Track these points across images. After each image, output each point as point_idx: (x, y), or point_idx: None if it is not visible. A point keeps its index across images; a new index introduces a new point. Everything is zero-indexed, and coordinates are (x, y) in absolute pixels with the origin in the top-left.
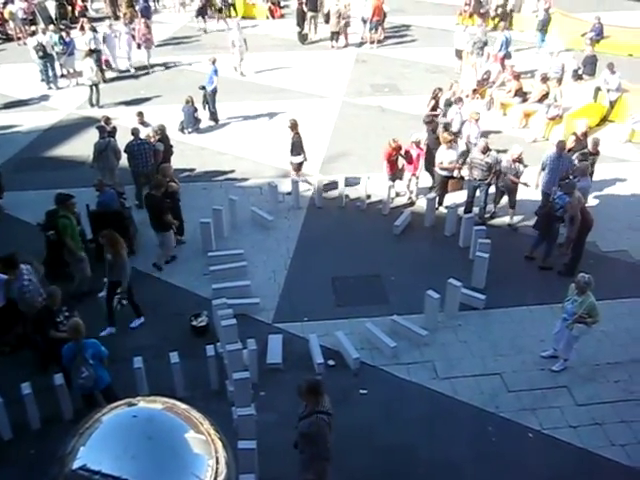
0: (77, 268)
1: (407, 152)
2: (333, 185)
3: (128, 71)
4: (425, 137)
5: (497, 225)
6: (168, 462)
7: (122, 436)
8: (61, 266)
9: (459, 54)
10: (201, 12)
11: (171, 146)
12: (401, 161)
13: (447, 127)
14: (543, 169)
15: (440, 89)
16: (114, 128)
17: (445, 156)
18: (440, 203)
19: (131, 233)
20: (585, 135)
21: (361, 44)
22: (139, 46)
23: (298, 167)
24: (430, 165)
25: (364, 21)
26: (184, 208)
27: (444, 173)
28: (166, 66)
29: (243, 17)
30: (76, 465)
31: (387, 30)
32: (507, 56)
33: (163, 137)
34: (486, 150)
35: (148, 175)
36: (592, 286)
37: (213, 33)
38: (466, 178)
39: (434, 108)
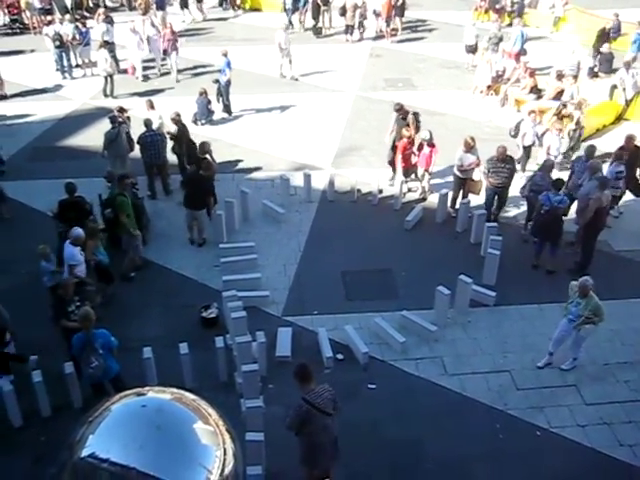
0: (130, 245)
1: (420, 148)
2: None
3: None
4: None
5: (508, 222)
6: (176, 452)
7: (131, 425)
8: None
9: (469, 49)
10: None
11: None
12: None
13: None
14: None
15: (564, 105)
16: (128, 118)
17: (464, 159)
18: (453, 205)
19: (143, 223)
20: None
21: (375, 38)
22: (165, 52)
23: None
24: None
25: (376, 14)
26: None
27: (461, 175)
28: (180, 57)
29: (257, 10)
30: (85, 453)
31: (403, 24)
32: (522, 52)
33: (179, 124)
34: (505, 157)
35: (160, 166)
36: (593, 287)
37: (228, 25)
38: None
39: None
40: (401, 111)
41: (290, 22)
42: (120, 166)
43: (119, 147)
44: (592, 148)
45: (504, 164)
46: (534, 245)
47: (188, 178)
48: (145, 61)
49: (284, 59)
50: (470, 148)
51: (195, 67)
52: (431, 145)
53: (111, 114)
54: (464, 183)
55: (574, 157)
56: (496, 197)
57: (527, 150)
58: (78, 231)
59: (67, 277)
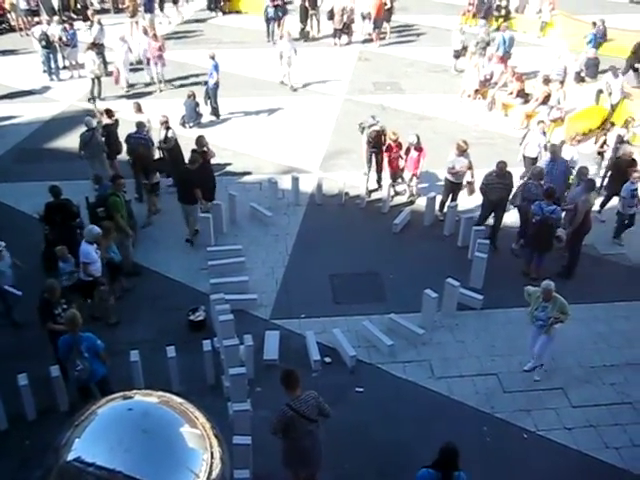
0: (123, 245)
1: (407, 152)
2: None
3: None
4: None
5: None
6: (162, 456)
7: (117, 429)
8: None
9: (456, 54)
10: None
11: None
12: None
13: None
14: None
15: (612, 123)
16: (116, 121)
17: (456, 162)
18: (441, 209)
19: (131, 225)
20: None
21: (364, 41)
22: (148, 62)
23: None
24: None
25: (363, 17)
26: None
27: (452, 179)
28: (168, 60)
29: (245, 12)
30: (71, 457)
31: (391, 28)
32: (506, 56)
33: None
34: (504, 173)
35: (147, 168)
36: (554, 288)
37: (216, 28)
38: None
39: (603, 144)
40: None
41: (269, 32)
42: (99, 167)
43: (94, 149)
44: (555, 147)
45: (502, 180)
46: (524, 253)
47: (178, 173)
48: (132, 69)
49: (284, 67)
50: (463, 152)
51: (183, 70)
52: (419, 149)
53: (87, 117)
54: (454, 187)
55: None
56: (492, 214)
57: (531, 162)
58: (95, 229)
59: (52, 280)
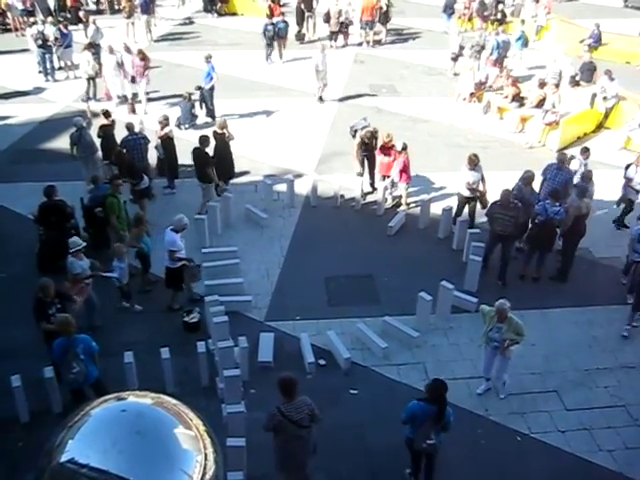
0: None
1: (394, 157)
2: None
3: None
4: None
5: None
6: (156, 457)
7: (110, 430)
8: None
9: (454, 57)
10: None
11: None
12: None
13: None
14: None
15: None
16: (113, 121)
17: (468, 176)
18: (454, 222)
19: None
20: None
21: (360, 44)
22: (133, 79)
23: None
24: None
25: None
26: (179, 204)
27: (466, 193)
28: (163, 61)
29: (241, 14)
30: (64, 458)
31: (387, 31)
32: (499, 59)
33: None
34: (509, 203)
35: (144, 169)
36: (509, 308)
37: (212, 29)
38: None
39: None
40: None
41: (268, 55)
42: (92, 167)
43: (84, 149)
44: (563, 155)
45: (507, 211)
46: (522, 254)
47: (192, 153)
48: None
49: (320, 82)
50: (474, 165)
51: (178, 71)
52: (403, 154)
53: (75, 117)
54: (468, 202)
55: None
56: (500, 246)
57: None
58: (184, 219)
59: (46, 279)
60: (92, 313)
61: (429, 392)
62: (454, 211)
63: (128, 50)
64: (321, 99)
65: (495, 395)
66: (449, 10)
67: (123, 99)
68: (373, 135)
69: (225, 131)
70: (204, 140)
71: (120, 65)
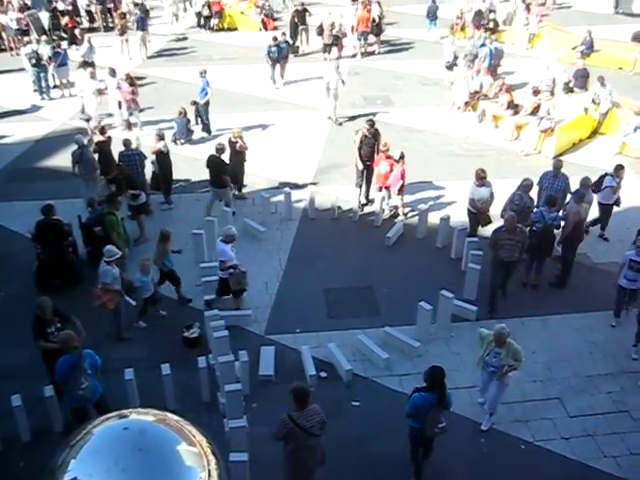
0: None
1: (391, 167)
2: None
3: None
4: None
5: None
6: (160, 475)
7: (113, 449)
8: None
9: (448, 65)
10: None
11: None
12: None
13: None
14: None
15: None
16: (109, 138)
17: (476, 194)
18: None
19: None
20: None
21: (354, 56)
22: (119, 105)
23: None
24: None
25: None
26: (176, 219)
27: (474, 210)
28: (158, 77)
29: (235, 29)
30: (67, 478)
31: (381, 43)
32: (490, 67)
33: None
34: (515, 228)
35: (140, 184)
36: (509, 333)
37: (206, 45)
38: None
39: None
40: (371, 130)
41: (274, 75)
42: (92, 186)
43: (85, 167)
44: (559, 162)
45: (513, 236)
46: (522, 262)
47: (208, 160)
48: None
49: (330, 100)
50: (482, 181)
51: (173, 87)
52: (401, 163)
53: (77, 135)
54: (479, 218)
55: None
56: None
57: (605, 209)
58: (233, 230)
59: (44, 298)
60: (118, 323)
61: (428, 380)
62: (467, 229)
63: (113, 74)
64: (337, 120)
65: (498, 403)
66: (431, 16)
67: (102, 118)
68: (372, 126)
69: (239, 140)
70: (220, 148)
71: (100, 92)
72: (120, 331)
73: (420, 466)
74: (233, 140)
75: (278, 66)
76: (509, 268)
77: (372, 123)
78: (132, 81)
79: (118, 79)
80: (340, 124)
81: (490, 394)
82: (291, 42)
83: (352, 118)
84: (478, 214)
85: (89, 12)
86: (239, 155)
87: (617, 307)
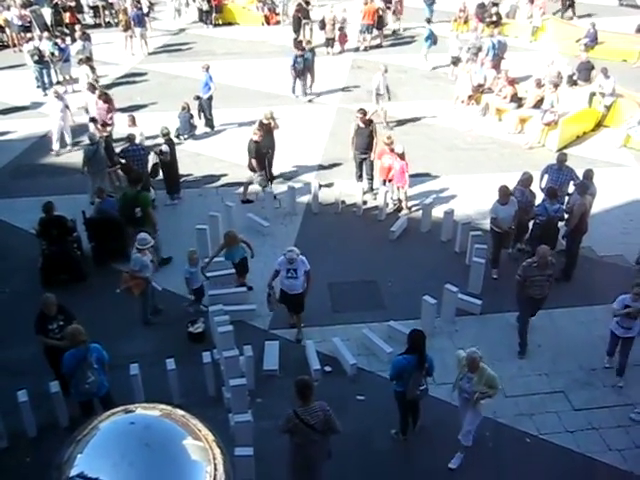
0: (156, 239)
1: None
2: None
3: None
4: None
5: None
6: (166, 469)
7: (119, 443)
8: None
9: (454, 60)
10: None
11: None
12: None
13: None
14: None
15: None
16: (110, 132)
17: (499, 212)
18: (495, 265)
19: (126, 241)
20: None
21: (357, 50)
22: (92, 120)
23: None
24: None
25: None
26: (180, 214)
27: (497, 229)
28: (161, 73)
29: (237, 24)
30: (73, 473)
31: (384, 36)
32: (495, 60)
33: (168, 140)
34: (547, 262)
35: (145, 180)
36: (482, 358)
37: (208, 39)
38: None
39: None
40: (364, 119)
41: (294, 90)
42: (100, 182)
43: (98, 163)
44: (563, 156)
45: (544, 271)
46: (525, 255)
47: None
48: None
49: (379, 104)
50: (507, 198)
51: (176, 82)
52: (402, 159)
53: (89, 132)
54: (503, 237)
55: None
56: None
57: None
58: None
59: (48, 294)
60: (145, 308)
61: (410, 342)
62: (488, 254)
63: (92, 89)
64: (388, 124)
65: (503, 396)
66: (429, 1)
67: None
68: (365, 115)
69: (271, 121)
70: (256, 132)
71: (67, 108)
72: (146, 315)
73: (408, 423)
74: (265, 122)
75: (301, 78)
76: (539, 304)
77: (364, 112)
78: (106, 97)
79: (94, 95)
80: (392, 128)
81: (466, 423)
82: (294, 36)
83: (355, 113)
84: (503, 234)
85: (94, 8)
86: (271, 137)
87: (610, 349)
